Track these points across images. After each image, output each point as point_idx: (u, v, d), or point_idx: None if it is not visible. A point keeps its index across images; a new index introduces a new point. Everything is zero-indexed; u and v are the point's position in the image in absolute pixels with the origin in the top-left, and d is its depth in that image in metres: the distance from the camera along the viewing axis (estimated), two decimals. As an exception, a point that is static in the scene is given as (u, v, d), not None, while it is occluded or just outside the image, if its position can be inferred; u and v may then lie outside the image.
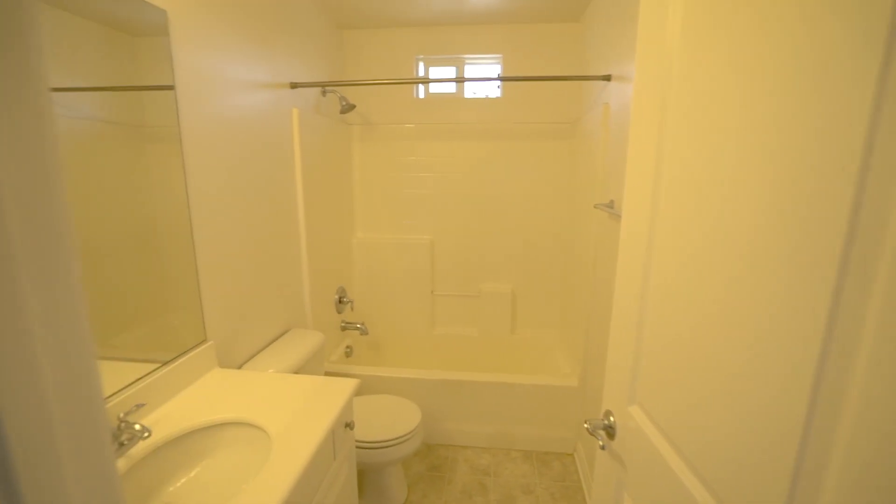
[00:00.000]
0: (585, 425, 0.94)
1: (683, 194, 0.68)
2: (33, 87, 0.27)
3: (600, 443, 0.92)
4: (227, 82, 1.51)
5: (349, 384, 1.31)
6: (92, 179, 1.06)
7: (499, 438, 2.27)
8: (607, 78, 1.85)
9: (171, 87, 1.25)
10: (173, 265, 1.30)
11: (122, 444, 0.98)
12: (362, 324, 2.66)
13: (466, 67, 2.75)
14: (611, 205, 1.66)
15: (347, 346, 2.65)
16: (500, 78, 2.09)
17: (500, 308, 2.83)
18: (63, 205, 0.29)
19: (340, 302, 2.62)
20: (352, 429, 1.32)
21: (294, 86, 2.00)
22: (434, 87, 2.76)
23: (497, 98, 2.68)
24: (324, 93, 2.38)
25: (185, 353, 1.29)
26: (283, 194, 1.95)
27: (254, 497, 0.88)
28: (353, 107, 2.37)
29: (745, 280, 0.54)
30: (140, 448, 1.00)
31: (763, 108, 0.51)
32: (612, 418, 0.92)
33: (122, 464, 0.96)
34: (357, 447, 1.69)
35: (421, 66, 2.76)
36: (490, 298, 2.83)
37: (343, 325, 2.66)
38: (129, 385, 1.11)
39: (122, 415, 1.01)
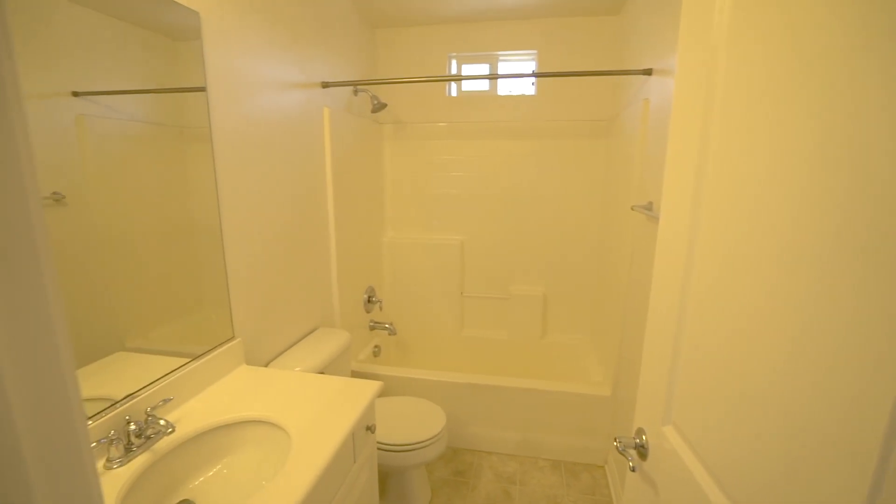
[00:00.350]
0: (615, 443, 0.87)
1: (730, 198, 0.61)
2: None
3: (630, 463, 0.85)
4: (258, 83, 1.52)
5: (371, 387, 1.29)
6: (138, 179, 1.11)
7: (526, 446, 2.20)
8: (648, 72, 1.75)
9: (202, 89, 1.27)
10: (207, 262, 1.33)
11: (148, 438, 1.01)
12: (391, 324, 2.66)
13: (500, 64, 2.69)
14: (649, 207, 1.57)
15: (376, 346, 2.66)
16: (534, 74, 2.03)
17: (530, 311, 2.76)
18: (35, 202, 0.27)
19: (369, 301, 2.63)
20: (373, 432, 1.30)
21: (325, 85, 2.01)
22: (466, 85, 2.72)
23: (531, 95, 2.60)
24: (355, 92, 2.39)
25: (212, 349, 1.31)
26: (313, 194, 1.96)
27: (271, 497, 0.87)
28: (384, 106, 2.36)
29: (808, 293, 0.47)
30: (165, 443, 1.02)
31: (836, 108, 0.44)
32: (644, 437, 0.85)
33: (146, 458, 0.97)
34: (380, 449, 1.67)
35: (454, 63, 2.72)
36: (520, 301, 2.76)
37: (371, 324, 2.66)
38: (158, 380, 1.13)
39: (149, 409, 1.04)
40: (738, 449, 0.57)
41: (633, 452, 0.87)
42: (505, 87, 2.67)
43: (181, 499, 0.99)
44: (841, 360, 0.42)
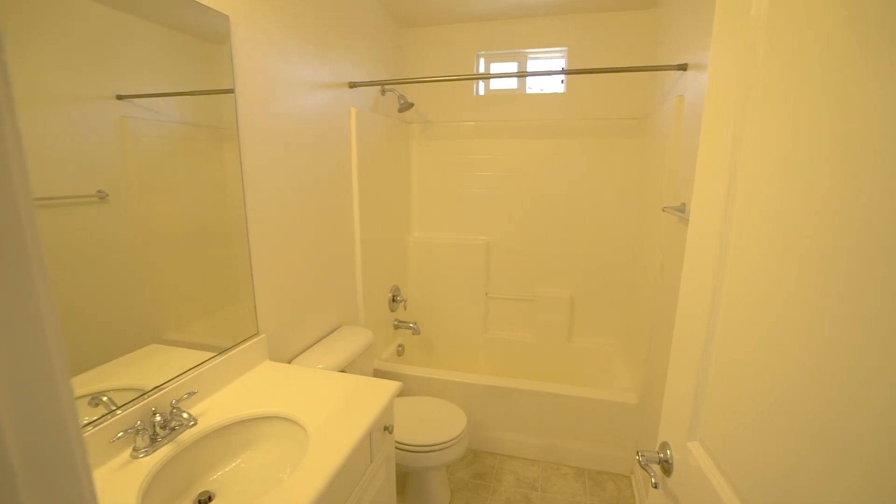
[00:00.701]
0: (638, 456, 0.83)
1: (765, 200, 0.57)
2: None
3: (653, 479, 0.81)
4: (285, 84, 1.55)
5: (390, 387, 1.29)
6: (176, 177, 1.16)
7: (549, 451, 2.15)
8: (683, 67, 1.68)
9: (230, 91, 1.30)
10: (239, 259, 1.38)
11: (172, 430, 1.04)
12: (415, 323, 2.66)
13: (529, 62, 2.65)
14: (682, 208, 1.50)
15: (399, 345, 2.67)
16: (564, 71, 1.97)
17: (557, 314, 2.70)
18: (25, 204, 0.27)
19: (394, 300, 2.64)
20: (391, 432, 1.30)
21: (352, 85, 2.03)
22: (494, 84, 2.69)
23: (560, 93, 2.54)
24: (383, 91, 2.40)
25: (236, 345, 1.35)
26: (339, 193, 1.98)
27: (287, 493, 0.88)
28: (411, 105, 2.36)
29: (858, 304, 0.42)
30: (188, 435, 1.04)
31: (889, 106, 0.40)
32: (669, 452, 0.81)
33: (170, 449, 1.00)
34: (400, 449, 1.67)
35: (482, 62, 2.70)
36: (547, 303, 2.70)
37: (396, 323, 2.67)
38: (185, 373, 1.17)
39: (174, 401, 1.07)
40: (769, 471, 0.53)
41: (656, 468, 0.82)
42: (534, 86, 2.62)
43: (202, 490, 1.02)
44: (892, 377, 0.37)
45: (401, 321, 2.68)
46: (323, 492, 0.90)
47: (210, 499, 1.01)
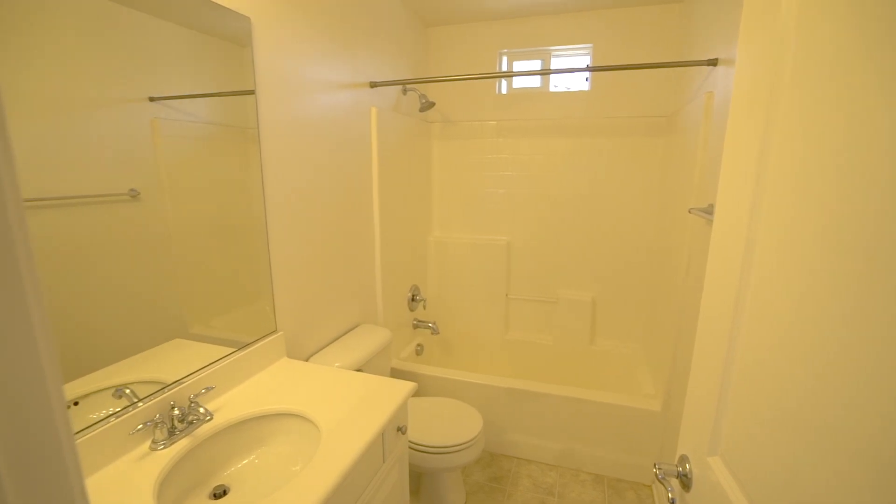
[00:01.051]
0: (655, 469, 0.80)
1: (796, 201, 0.53)
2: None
3: (670, 495, 0.77)
4: (306, 84, 1.56)
5: (404, 388, 1.28)
6: (204, 176, 1.20)
7: (567, 457, 2.11)
8: (713, 62, 1.61)
9: (251, 92, 1.32)
10: (261, 256, 1.40)
11: (190, 424, 1.06)
12: (434, 323, 2.65)
13: (553, 60, 2.60)
14: (709, 210, 1.43)
15: (418, 345, 2.67)
16: (588, 69, 1.91)
17: (578, 316, 2.64)
18: (14, 205, 0.27)
19: (413, 300, 2.64)
20: (404, 433, 1.29)
21: (373, 85, 2.04)
22: (517, 82, 2.65)
23: (585, 91, 2.49)
24: (404, 91, 2.40)
25: (254, 342, 1.37)
26: (359, 192, 1.99)
27: (297, 491, 0.88)
28: (432, 104, 2.36)
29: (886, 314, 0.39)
30: (204, 429, 1.06)
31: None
32: (688, 466, 0.77)
33: (187, 443, 1.02)
34: (414, 449, 1.67)
35: (504, 60, 2.66)
36: (568, 305, 2.65)
37: (415, 322, 2.68)
38: (203, 368, 1.19)
39: (192, 396, 1.09)
40: (797, 495, 0.49)
41: (674, 482, 0.79)
42: (559, 84, 2.57)
43: (217, 484, 1.04)
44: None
45: (420, 321, 2.68)
46: (332, 491, 0.90)
47: (225, 492, 1.03)
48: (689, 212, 1.53)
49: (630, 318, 2.61)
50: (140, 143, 1.02)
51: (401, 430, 1.27)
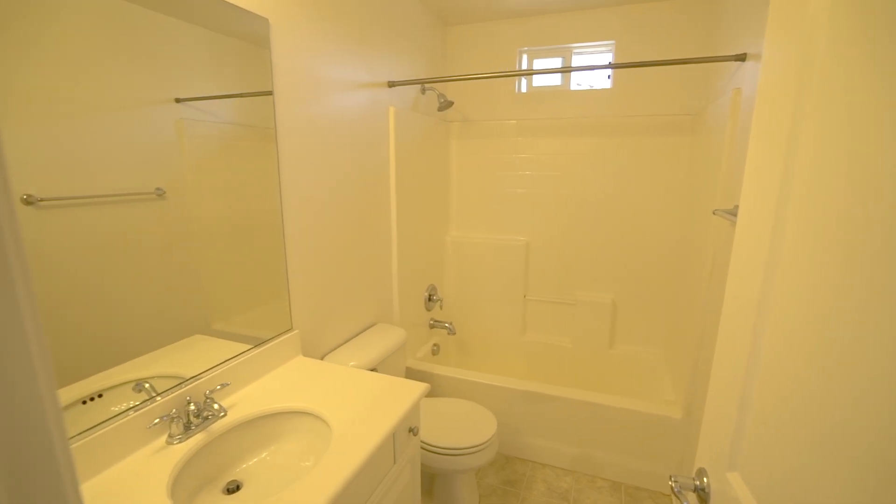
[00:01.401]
0: (671, 482, 0.77)
1: (824, 204, 0.50)
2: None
3: (686, 509, 0.74)
4: (324, 84, 1.57)
5: (416, 389, 1.27)
6: (227, 175, 1.23)
7: (584, 462, 2.07)
8: (742, 57, 1.54)
9: (269, 93, 1.34)
10: (275, 255, 1.42)
11: (205, 419, 1.08)
12: (450, 323, 2.64)
13: (574, 58, 2.55)
14: (734, 211, 1.38)
15: (434, 345, 2.66)
16: (611, 66, 1.86)
17: (597, 319, 2.59)
18: (5, 206, 0.27)
19: (430, 300, 2.63)
20: (416, 434, 1.29)
21: (391, 84, 2.04)
22: (538, 81, 2.61)
23: (607, 89, 2.43)
24: (423, 90, 2.39)
25: (270, 339, 1.38)
26: (376, 192, 2.00)
27: (306, 489, 0.88)
28: (450, 104, 2.35)
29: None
30: (218, 425, 1.08)
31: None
32: (705, 480, 0.74)
33: (202, 437, 1.04)
34: (427, 451, 1.66)
35: (524, 58, 2.63)
36: (587, 308, 2.60)
37: (431, 322, 2.67)
38: (220, 364, 1.21)
39: (208, 392, 1.11)
40: (817, 518, 0.46)
41: (691, 496, 0.76)
42: (583, 82, 2.52)
43: (230, 479, 1.05)
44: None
45: (436, 321, 2.67)
46: (341, 490, 0.90)
47: (238, 488, 1.04)
48: (714, 213, 1.47)
49: (651, 321, 2.54)
50: (166, 144, 1.05)
51: (412, 431, 1.27)
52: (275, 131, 1.37)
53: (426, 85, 2.39)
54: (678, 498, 0.75)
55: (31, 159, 0.82)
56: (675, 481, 0.76)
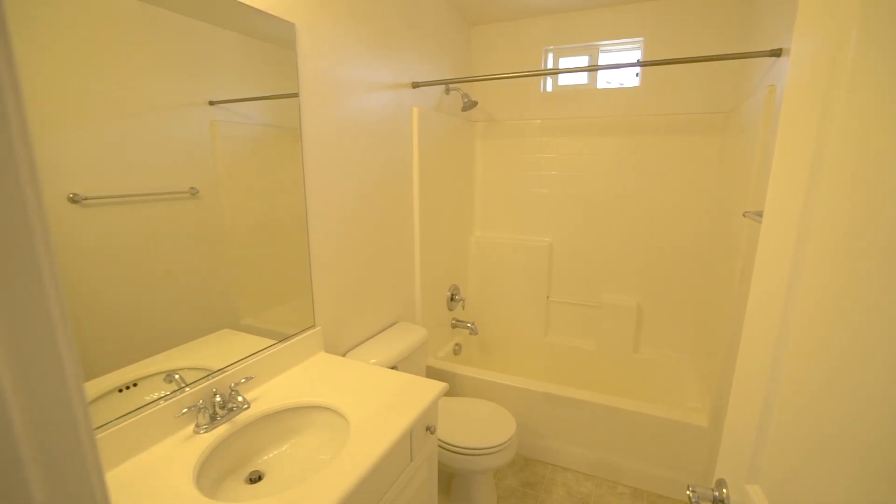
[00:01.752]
0: (689, 492, 0.75)
1: (852, 207, 0.48)
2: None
3: (704, 520, 0.72)
4: (348, 86, 1.60)
5: (435, 388, 1.28)
6: (258, 175, 1.28)
7: (605, 467, 2.03)
8: (776, 53, 1.48)
9: (295, 95, 1.37)
10: (300, 253, 1.47)
11: (230, 411, 1.12)
12: (473, 323, 2.65)
13: (601, 56, 2.50)
14: (766, 213, 1.32)
15: (456, 344, 2.67)
16: (639, 63, 1.82)
17: (622, 322, 2.54)
18: (34, 206, 0.29)
19: (452, 299, 2.64)
20: (433, 433, 1.30)
21: (415, 85, 2.05)
22: (563, 80, 2.58)
23: (635, 87, 2.38)
24: (447, 90, 2.40)
25: (293, 335, 1.42)
26: (399, 192, 2.02)
27: (322, 484, 0.91)
28: (474, 104, 2.34)
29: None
30: (242, 417, 1.12)
31: None
32: (725, 491, 0.72)
33: (227, 428, 1.08)
34: (445, 450, 1.67)
35: (549, 57, 2.60)
36: (612, 311, 2.55)
37: (454, 322, 2.68)
38: (245, 358, 1.26)
39: (232, 384, 1.15)
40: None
41: (709, 506, 0.73)
42: (613, 80, 2.47)
43: (252, 469, 1.09)
44: None
45: (459, 320, 2.68)
46: (356, 486, 0.92)
47: (260, 478, 1.08)
48: (744, 215, 1.42)
49: (678, 326, 2.47)
50: (200, 144, 1.10)
51: (430, 429, 1.28)
52: (300, 132, 1.40)
53: (450, 85, 2.40)
54: (696, 508, 0.73)
55: (78, 160, 0.87)
56: (693, 491, 0.74)
